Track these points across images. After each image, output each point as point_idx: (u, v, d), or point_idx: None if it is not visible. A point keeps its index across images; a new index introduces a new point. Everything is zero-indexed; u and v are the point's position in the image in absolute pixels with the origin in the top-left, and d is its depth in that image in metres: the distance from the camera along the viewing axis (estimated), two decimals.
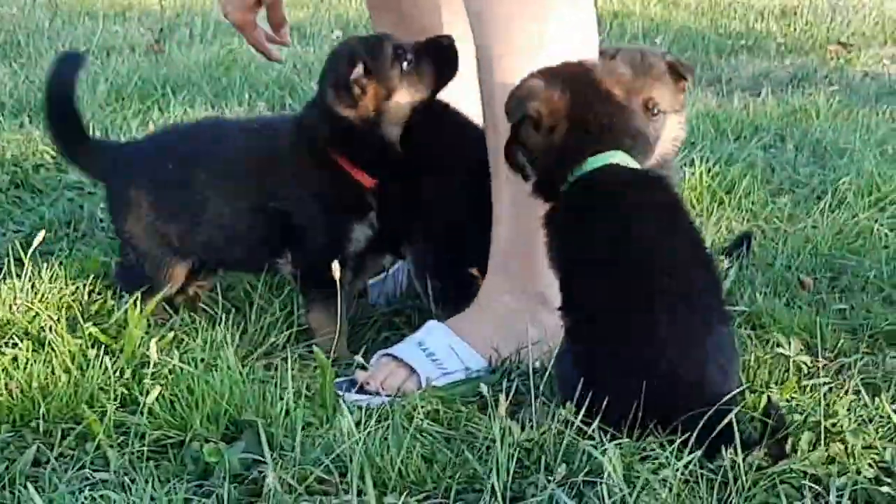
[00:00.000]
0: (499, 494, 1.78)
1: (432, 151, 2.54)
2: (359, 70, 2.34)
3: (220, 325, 2.44)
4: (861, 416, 2.08)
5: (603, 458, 1.78)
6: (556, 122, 2.15)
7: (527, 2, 2.38)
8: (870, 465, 1.93)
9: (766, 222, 3.40)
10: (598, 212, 2.12)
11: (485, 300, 2.44)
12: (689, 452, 1.84)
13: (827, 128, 4.50)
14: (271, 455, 1.92)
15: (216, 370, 2.15)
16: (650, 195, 2.15)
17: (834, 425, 2.02)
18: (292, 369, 2.24)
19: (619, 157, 2.13)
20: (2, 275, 2.72)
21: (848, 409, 2.09)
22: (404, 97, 2.40)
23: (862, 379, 2.29)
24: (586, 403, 1.94)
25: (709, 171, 3.63)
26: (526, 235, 2.30)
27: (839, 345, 2.49)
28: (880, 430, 2.04)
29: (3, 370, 2.24)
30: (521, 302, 2.38)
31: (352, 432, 1.92)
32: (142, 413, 2.10)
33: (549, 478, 1.82)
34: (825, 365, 2.39)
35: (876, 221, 3.28)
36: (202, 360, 2.27)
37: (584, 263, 2.13)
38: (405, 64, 2.38)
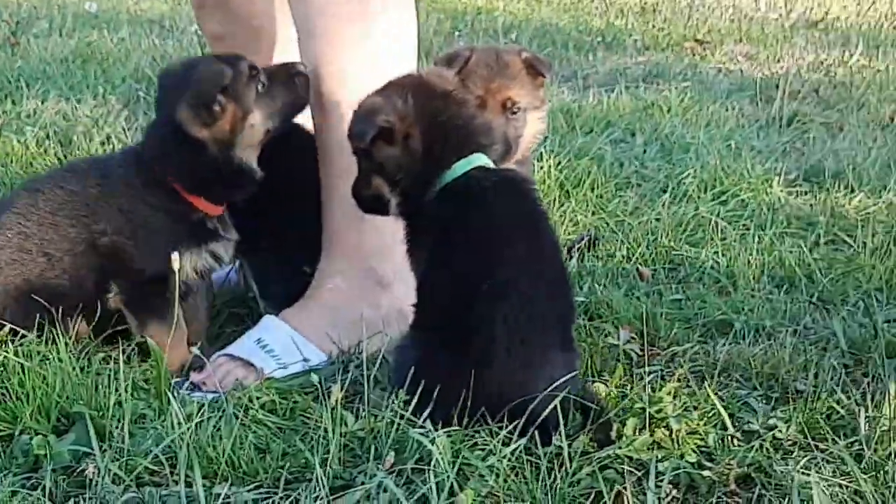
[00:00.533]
0: (326, 483, 1.82)
1: (286, 173, 2.53)
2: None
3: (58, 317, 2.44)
4: (686, 402, 2.15)
5: (432, 446, 1.82)
6: (409, 128, 2.12)
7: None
8: (693, 450, 2.00)
9: (611, 215, 3.49)
10: (469, 220, 2.13)
11: (318, 285, 2.46)
12: (516, 440, 1.90)
13: (676, 123, 4.64)
14: (100, 446, 1.93)
15: (49, 363, 2.14)
16: (515, 203, 2.16)
17: (659, 412, 2.08)
18: (129, 362, 2.26)
19: (482, 161, 2.14)
20: None
21: (674, 396, 2.16)
22: (258, 120, 2.35)
23: (691, 367, 2.39)
24: (418, 394, 1.98)
25: (558, 164, 3.72)
26: (356, 212, 2.31)
27: (672, 334, 2.58)
28: (705, 416, 2.12)
29: None
30: (354, 282, 2.41)
31: (182, 423, 1.93)
32: None
33: (379, 466, 1.86)
34: (658, 354, 2.48)
35: (717, 214, 3.40)
36: (38, 353, 2.26)
37: (442, 266, 2.14)
38: (259, 86, 2.35)
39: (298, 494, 1.86)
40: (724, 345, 2.55)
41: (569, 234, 3.28)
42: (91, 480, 1.89)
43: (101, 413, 2.06)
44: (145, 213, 2.39)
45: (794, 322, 2.72)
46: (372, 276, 2.42)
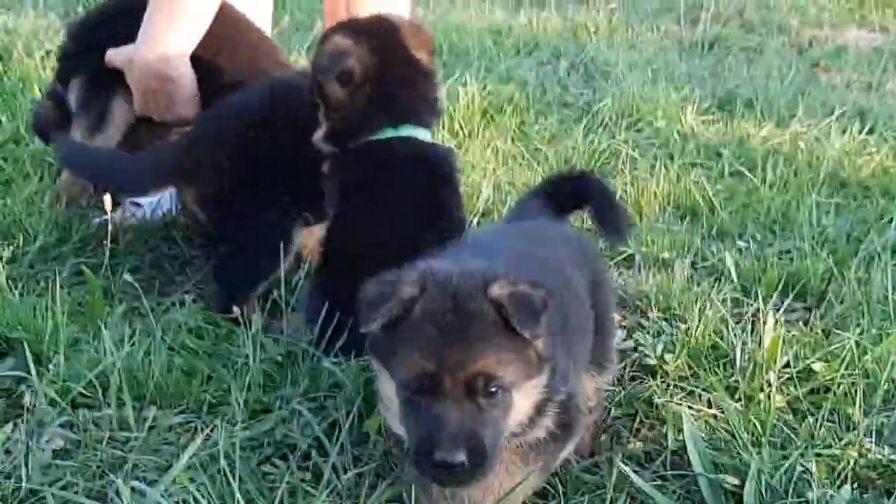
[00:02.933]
0: (245, 408, 1.99)
1: None
2: None
3: None
4: None
5: (342, 375, 2.01)
6: (364, 83, 2.26)
7: None
8: None
9: (530, 142, 3.64)
10: (377, 178, 2.28)
11: None
12: None
13: (602, 46, 4.79)
14: (38, 371, 2.04)
15: None
16: (423, 173, 2.32)
17: None
18: (64, 286, 2.38)
19: (409, 131, 2.30)
20: None
21: None
22: None
23: None
24: (330, 329, 2.15)
25: (484, 88, 3.86)
26: None
27: None
28: None
29: None
30: None
31: (114, 349, 2.07)
32: None
33: (295, 390, 2.03)
34: None
35: (630, 143, 3.56)
36: None
37: (350, 214, 2.30)
38: None
39: (219, 418, 1.99)
40: (628, 276, 2.71)
41: (487, 162, 3.40)
42: (28, 404, 2.00)
43: (38, 338, 2.17)
44: None
45: (691, 253, 2.86)
46: None
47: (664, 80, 4.40)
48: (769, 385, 2.23)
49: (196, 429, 2.10)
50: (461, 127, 3.61)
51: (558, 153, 3.52)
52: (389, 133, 2.35)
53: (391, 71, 2.36)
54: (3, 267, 2.54)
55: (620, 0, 6.19)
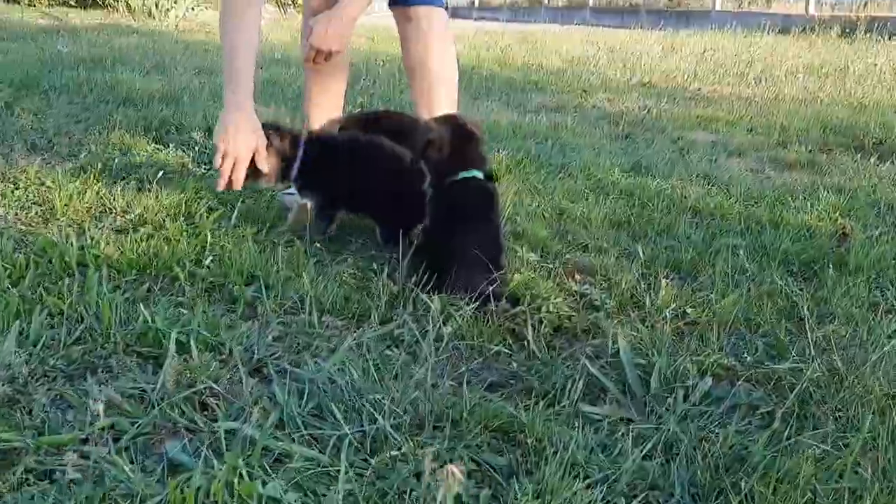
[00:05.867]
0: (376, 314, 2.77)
1: None
2: None
3: None
4: (554, 290, 3.03)
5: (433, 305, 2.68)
6: (443, 147, 3.01)
7: None
8: (553, 310, 2.90)
9: (532, 185, 4.81)
10: (454, 199, 2.98)
11: None
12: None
13: (569, 136, 6.81)
14: (266, 294, 2.94)
15: None
16: (483, 195, 3.02)
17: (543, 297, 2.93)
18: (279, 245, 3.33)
19: (475, 173, 3.02)
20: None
21: (553, 287, 3.10)
22: None
23: (562, 266, 3.36)
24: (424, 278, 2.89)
25: (509, 155, 5.26)
26: None
27: (557, 250, 3.59)
28: (567, 295, 3.03)
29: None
30: None
31: (308, 284, 2.96)
32: None
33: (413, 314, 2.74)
34: (549, 266, 3.42)
35: (586, 187, 4.77)
36: None
37: (435, 218, 3.03)
38: None
39: (364, 323, 2.73)
40: (584, 255, 3.53)
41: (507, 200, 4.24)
42: (260, 313, 2.80)
43: (267, 275, 3.06)
44: None
45: (618, 245, 3.71)
46: None
47: (604, 154, 5.66)
48: (665, 319, 2.86)
49: (349, 328, 2.74)
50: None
51: (547, 189, 4.65)
52: (462, 175, 3.05)
53: (458, 139, 3.08)
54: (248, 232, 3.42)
55: (579, 113, 7.71)
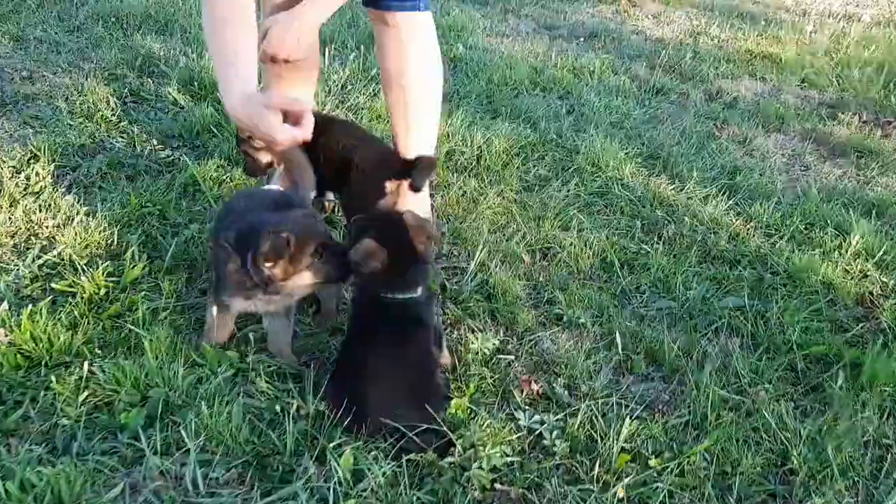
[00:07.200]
0: None
1: None
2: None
3: None
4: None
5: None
6: (381, 268, 2.76)
7: None
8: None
9: (530, 188, 4.44)
10: (376, 315, 2.84)
11: None
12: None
13: (592, 92, 5.95)
14: None
15: None
16: (410, 314, 2.82)
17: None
18: None
19: (407, 294, 2.82)
20: None
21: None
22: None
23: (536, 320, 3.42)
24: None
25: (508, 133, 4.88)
26: None
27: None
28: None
29: None
30: None
31: None
32: None
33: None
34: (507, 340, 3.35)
35: (588, 195, 4.43)
36: None
37: (353, 331, 2.93)
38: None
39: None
40: (557, 328, 3.38)
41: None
42: None
43: None
44: None
45: (600, 314, 3.49)
46: None
47: (619, 135, 5.16)
48: (619, 479, 2.65)
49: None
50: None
51: (540, 201, 4.31)
52: (398, 296, 2.82)
53: (401, 254, 2.81)
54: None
55: (614, 40, 7.10)
